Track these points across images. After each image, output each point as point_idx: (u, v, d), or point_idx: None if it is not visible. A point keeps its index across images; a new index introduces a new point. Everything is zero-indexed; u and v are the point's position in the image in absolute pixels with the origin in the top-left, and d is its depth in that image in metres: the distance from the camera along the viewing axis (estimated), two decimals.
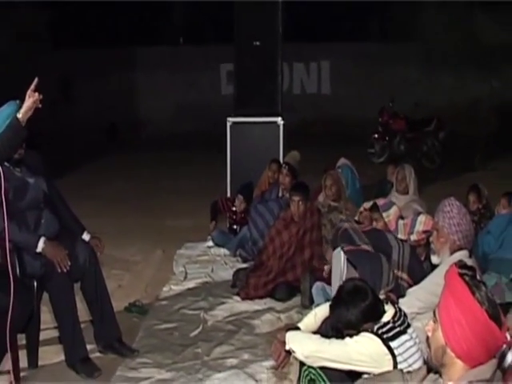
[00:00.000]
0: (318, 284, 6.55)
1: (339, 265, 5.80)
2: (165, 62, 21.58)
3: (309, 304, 6.54)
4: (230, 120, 9.85)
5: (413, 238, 6.04)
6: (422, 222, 6.05)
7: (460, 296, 2.79)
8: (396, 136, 15.63)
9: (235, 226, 8.87)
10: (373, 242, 5.95)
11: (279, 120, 9.81)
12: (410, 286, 5.35)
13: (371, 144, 15.81)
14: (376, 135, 15.74)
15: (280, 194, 8.37)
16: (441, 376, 2.88)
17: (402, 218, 6.39)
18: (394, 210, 6.33)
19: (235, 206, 8.92)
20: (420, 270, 5.49)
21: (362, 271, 5.72)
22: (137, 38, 21.86)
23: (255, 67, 9.79)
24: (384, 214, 6.30)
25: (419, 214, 6.31)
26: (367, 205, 6.60)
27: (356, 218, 6.65)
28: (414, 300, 4.92)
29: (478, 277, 3.09)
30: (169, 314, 6.59)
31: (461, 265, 2.97)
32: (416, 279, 5.26)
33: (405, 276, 5.55)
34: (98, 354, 5.58)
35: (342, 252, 5.62)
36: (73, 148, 18.08)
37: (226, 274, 7.70)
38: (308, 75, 21.91)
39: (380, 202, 6.37)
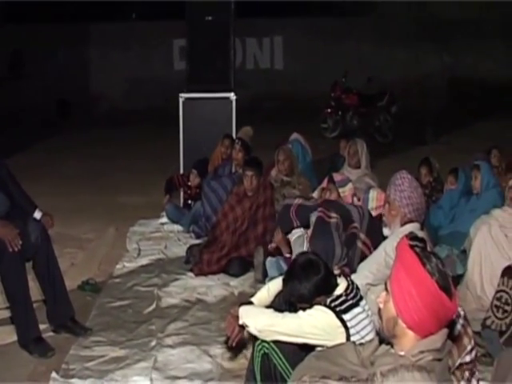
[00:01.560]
0: (271, 258, 6.57)
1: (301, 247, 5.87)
2: (117, 37, 21.31)
3: (262, 278, 6.57)
4: (183, 96, 9.78)
5: (371, 200, 6.07)
6: (375, 198, 6.09)
7: (411, 267, 2.80)
8: (349, 111, 15.68)
9: (190, 201, 8.82)
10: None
11: (232, 95, 9.76)
12: (368, 247, 5.40)
13: (324, 119, 15.84)
14: (329, 110, 15.77)
15: (233, 170, 8.35)
16: (392, 347, 2.89)
17: (355, 195, 6.43)
18: (349, 187, 6.37)
19: (190, 181, 8.86)
20: (379, 232, 5.53)
21: (314, 246, 5.77)
22: (89, 13, 21.51)
23: (207, 43, 9.71)
24: (340, 190, 6.32)
25: (369, 189, 6.34)
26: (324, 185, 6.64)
27: (314, 195, 6.69)
28: (366, 272, 4.96)
29: (428, 248, 3.12)
30: (122, 292, 6.56)
31: (411, 237, 2.99)
32: (375, 242, 5.30)
33: (362, 236, 5.60)
34: (51, 334, 5.53)
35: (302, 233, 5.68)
36: (23, 126, 17.78)
37: (180, 250, 7.68)
38: (261, 50, 21.83)
39: (337, 177, 6.39)
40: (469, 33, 20.76)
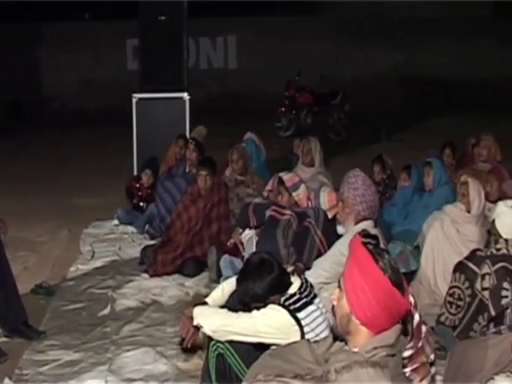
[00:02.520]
0: (225, 257, 6.58)
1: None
2: (70, 37, 21.08)
3: (217, 278, 6.58)
4: (136, 96, 9.74)
5: (323, 199, 6.09)
6: (326, 200, 6.11)
7: (363, 264, 2.82)
8: (302, 109, 15.71)
9: (141, 204, 8.73)
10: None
11: (185, 95, 9.76)
12: (323, 245, 5.43)
13: (278, 118, 15.86)
14: (283, 109, 15.79)
15: (187, 170, 8.32)
16: (346, 344, 2.90)
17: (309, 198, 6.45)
18: (302, 190, 6.38)
19: (142, 182, 8.76)
20: (333, 232, 5.56)
21: (261, 248, 5.79)
22: (42, 13, 21.24)
23: (160, 42, 9.70)
24: (293, 194, 6.33)
25: (319, 191, 6.35)
26: (269, 187, 6.64)
27: (264, 194, 6.70)
28: (319, 270, 4.98)
29: (381, 245, 3.14)
30: (76, 295, 6.50)
31: (364, 234, 3.00)
32: (329, 242, 5.33)
33: (319, 233, 5.63)
34: (3, 339, 5.46)
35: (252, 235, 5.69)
36: None
37: (134, 251, 7.63)
38: (215, 50, 21.79)
39: (288, 182, 6.38)
40: (420, 31, 20.98)
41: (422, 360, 3.54)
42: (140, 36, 9.98)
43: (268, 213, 5.97)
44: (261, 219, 6.20)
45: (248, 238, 6.28)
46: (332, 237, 5.42)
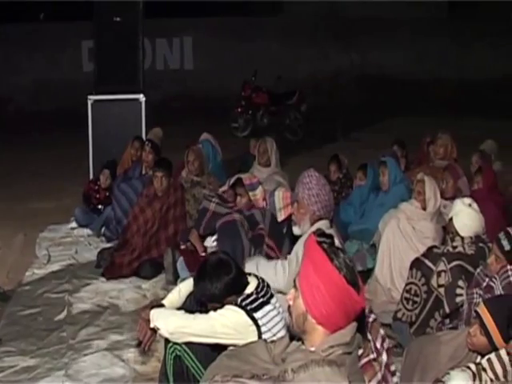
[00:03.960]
0: (182, 259, 6.54)
1: None
2: (24, 39, 20.79)
3: (174, 280, 6.56)
4: (91, 98, 9.64)
5: (280, 217, 6.11)
6: (280, 198, 6.13)
7: (318, 263, 2.82)
8: (259, 110, 15.71)
9: (100, 206, 8.64)
10: None
11: (141, 97, 9.69)
12: (272, 249, 5.44)
13: (234, 118, 15.83)
14: (239, 109, 15.76)
15: (143, 172, 8.27)
16: (303, 343, 2.91)
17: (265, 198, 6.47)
18: (259, 190, 6.40)
19: (99, 183, 8.66)
20: (281, 233, 5.57)
21: (222, 247, 5.79)
22: None
23: (116, 44, 9.59)
24: (250, 194, 6.34)
25: (274, 191, 6.37)
26: (224, 188, 6.64)
27: (219, 192, 6.69)
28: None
29: (336, 244, 3.14)
30: (32, 299, 6.42)
31: (319, 233, 3.00)
32: (278, 242, 5.33)
33: (266, 239, 5.65)
34: None
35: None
36: None
37: (91, 254, 7.56)
38: (171, 51, 21.67)
39: (247, 181, 6.39)
40: (376, 30, 21.12)
41: (369, 358, 3.57)
42: (95, 37, 9.88)
43: (219, 223, 5.98)
44: (209, 230, 6.19)
45: (215, 243, 6.28)
46: (279, 238, 5.44)
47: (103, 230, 8.10)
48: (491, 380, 3.65)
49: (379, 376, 3.58)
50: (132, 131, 9.29)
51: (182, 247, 6.78)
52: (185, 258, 6.61)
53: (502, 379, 3.63)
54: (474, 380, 3.65)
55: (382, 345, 3.71)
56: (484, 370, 3.68)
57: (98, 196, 8.68)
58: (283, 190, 6.12)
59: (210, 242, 6.40)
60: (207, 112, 16.79)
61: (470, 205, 5.36)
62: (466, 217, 5.33)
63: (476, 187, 7.06)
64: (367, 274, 6.56)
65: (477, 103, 17.96)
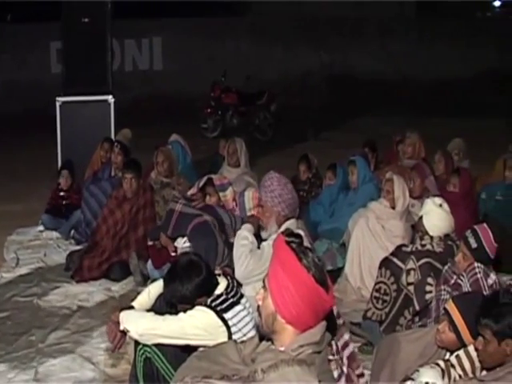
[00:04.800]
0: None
1: None
2: None
3: (143, 281, 6.55)
4: (60, 100, 9.57)
5: (248, 200, 6.10)
6: (250, 198, 6.13)
7: (287, 263, 2.83)
8: (228, 110, 15.68)
9: (64, 210, 8.53)
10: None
11: (110, 98, 9.64)
12: None
13: (204, 119, 15.79)
14: (209, 110, 15.73)
15: (112, 173, 8.23)
16: (273, 343, 2.91)
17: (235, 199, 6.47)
18: (229, 191, 6.40)
19: (61, 187, 8.56)
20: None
21: (196, 247, 5.77)
22: None
23: (84, 45, 9.53)
24: (220, 194, 6.33)
25: (244, 191, 6.38)
26: (193, 191, 6.63)
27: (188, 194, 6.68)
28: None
29: (305, 244, 3.15)
30: (1, 303, 6.34)
31: (287, 233, 3.01)
32: None
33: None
34: None
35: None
36: None
37: (60, 257, 7.50)
38: (140, 52, 21.57)
39: (217, 181, 6.38)
40: (345, 31, 21.21)
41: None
42: (63, 38, 9.81)
43: (192, 224, 5.96)
44: (178, 232, 6.17)
45: (186, 244, 6.26)
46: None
47: (72, 232, 8.04)
48: (460, 376, 3.69)
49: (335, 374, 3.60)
50: (101, 133, 9.24)
51: (150, 243, 6.74)
52: (151, 254, 6.60)
53: (471, 375, 3.67)
54: (443, 377, 3.68)
55: (343, 349, 3.73)
56: (453, 366, 3.72)
57: (64, 203, 8.56)
58: (253, 191, 6.12)
59: (181, 244, 6.38)
60: (177, 113, 16.75)
61: (440, 205, 5.40)
62: (436, 217, 5.37)
63: (451, 189, 7.08)
64: (337, 273, 6.58)
65: (445, 102, 18.10)
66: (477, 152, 9.66)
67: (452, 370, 3.70)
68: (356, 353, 3.95)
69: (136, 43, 21.28)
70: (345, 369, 3.80)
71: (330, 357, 3.57)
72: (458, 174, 7.26)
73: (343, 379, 3.68)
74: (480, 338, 3.52)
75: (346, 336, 3.78)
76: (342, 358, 3.69)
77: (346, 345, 3.74)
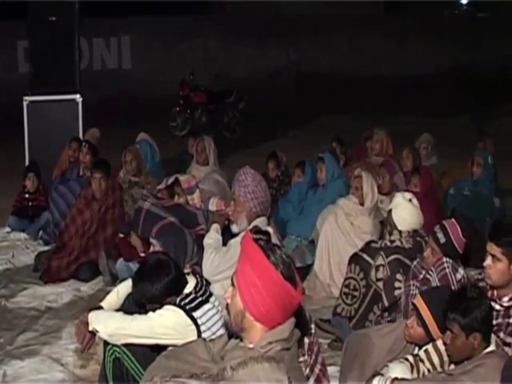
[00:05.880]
0: (121, 260, 6.50)
1: None
2: None
3: (112, 281, 6.51)
4: (27, 99, 9.48)
5: (212, 207, 6.10)
6: (214, 205, 6.14)
7: (255, 260, 2.83)
8: (197, 108, 15.68)
9: (31, 213, 8.43)
10: (176, 216, 6.00)
11: (78, 97, 9.57)
12: None
13: (173, 117, 15.76)
14: (177, 108, 15.71)
15: (81, 173, 8.17)
16: (242, 340, 2.91)
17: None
18: (197, 194, 6.38)
19: (27, 189, 8.46)
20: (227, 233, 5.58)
21: (166, 246, 5.75)
22: None
23: (51, 44, 9.46)
24: (188, 197, 6.31)
25: (209, 198, 6.39)
26: (161, 186, 6.60)
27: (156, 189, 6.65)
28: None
29: (274, 241, 3.15)
30: None
31: (255, 230, 3.01)
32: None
33: None
34: None
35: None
36: None
37: (28, 258, 7.42)
38: (108, 50, 21.45)
39: (185, 184, 6.35)
40: (314, 28, 21.25)
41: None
42: (30, 37, 9.72)
43: (157, 227, 5.94)
44: (145, 233, 6.14)
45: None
46: (227, 236, 5.44)
47: (40, 233, 7.97)
48: (429, 370, 3.71)
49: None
50: (69, 132, 9.18)
51: (121, 236, 6.69)
52: (122, 246, 6.58)
53: (439, 369, 3.70)
54: (412, 371, 3.70)
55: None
56: (421, 360, 3.74)
57: (30, 204, 8.46)
58: (217, 199, 6.16)
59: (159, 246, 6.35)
60: (145, 111, 16.65)
61: (410, 200, 5.43)
62: (405, 211, 5.40)
63: (413, 189, 7.10)
64: (306, 270, 6.60)
65: (413, 99, 18.21)
66: (444, 148, 9.73)
67: (421, 365, 3.73)
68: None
69: (104, 42, 21.15)
70: (316, 370, 3.82)
71: (301, 358, 3.58)
72: (418, 173, 7.30)
73: (312, 380, 3.70)
74: (448, 333, 3.55)
75: (306, 340, 3.80)
76: (313, 358, 3.70)
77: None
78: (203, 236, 5.58)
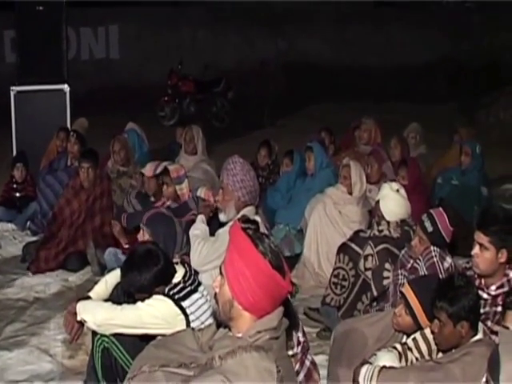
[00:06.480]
0: (110, 250, 6.49)
1: None
2: None
3: (100, 271, 6.49)
4: (14, 89, 9.43)
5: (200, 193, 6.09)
6: (202, 194, 6.14)
7: (243, 249, 2.83)
8: (185, 98, 15.67)
9: (18, 203, 8.40)
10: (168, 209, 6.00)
11: (65, 87, 9.54)
12: None
13: (161, 107, 15.75)
14: (166, 98, 15.70)
15: (69, 163, 8.15)
16: (230, 330, 2.91)
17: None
18: (185, 184, 6.37)
19: (15, 179, 8.43)
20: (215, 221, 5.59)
21: (155, 235, 5.73)
22: None
23: (39, 33, 9.40)
24: (177, 187, 6.30)
25: (198, 188, 6.38)
26: (149, 173, 6.59)
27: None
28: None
29: (262, 230, 3.15)
30: None
31: (244, 219, 3.01)
32: (210, 229, 5.35)
33: None
34: None
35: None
36: None
37: (16, 249, 7.40)
38: (96, 40, 21.34)
39: (173, 174, 6.34)
40: (302, 18, 21.21)
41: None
42: (17, 27, 9.67)
43: (147, 215, 5.94)
44: (134, 222, 6.13)
45: None
46: (213, 225, 5.44)
47: (28, 223, 7.94)
48: (417, 359, 3.73)
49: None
50: (57, 122, 9.15)
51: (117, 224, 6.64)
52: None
53: (427, 357, 3.71)
54: (400, 360, 3.72)
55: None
56: (410, 349, 3.76)
57: (18, 195, 8.43)
58: (205, 189, 6.15)
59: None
60: (133, 101, 16.61)
61: (397, 190, 5.43)
62: (393, 202, 5.40)
63: (401, 181, 7.08)
64: (295, 259, 6.61)
65: (400, 89, 18.23)
66: (431, 137, 9.75)
67: (409, 353, 3.74)
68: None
69: (92, 31, 21.04)
70: (307, 362, 3.84)
71: (290, 352, 3.59)
72: (405, 165, 7.31)
73: (302, 374, 3.72)
74: (436, 321, 3.56)
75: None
76: (303, 350, 3.72)
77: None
78: (194, 221, 5.60)
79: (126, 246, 6.25)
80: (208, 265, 4.89)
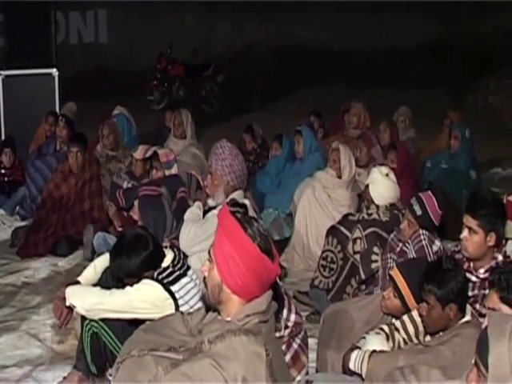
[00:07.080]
0: (99, 234, 6.45)
1: None
2: None
3: (91, 256, 6.43)
4: (2, 73, 9.39)
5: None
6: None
7: (232, 233, 2.82)
8: (175, 82, 15.67)
9: (7, 188, 8.36)
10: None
11: (54, 71, 9.50)
12: None
13: (150, 91, 15.75)
14: (155, 82, 15.69)
15: (57, 148, 8.13)
16: (219, 313, 2.91)
17: None
18: (175, 169, 6.36)
19: (3, 164, 8.39)
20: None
21: (145, 220, 5.73)
22: None
23: (27, 17, 9.36)
24: (166, 172, 6.29)
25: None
26: (139, 156, 6.57)
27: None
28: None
29: (252, 213, 3.15)
30: None
31: (232, 203, 3.01)
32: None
33: (191, 203, 5.64)
34: None
35: None
36: None
37: (4, 233, 7.38)
38: (85, 24, 21.24)
39: (163, 158, 6.32)
40: (291, 2, 21.14)
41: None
42: (5, 10, 9.60)
43: (140, 193, 5.91)
44: (128, 202, 6.11)
45: None
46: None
47: (17, 208, 7.92)
48: (404, 340, 3.74)
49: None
50: (45, 106, 9.14)
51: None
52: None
53: (415, 339, 3.72)
54: (388, 340, 3.73)
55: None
56: (397, 329, 3.77)
57: (6, 180, 8.39)
58: (195, 172, 6.14)
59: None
60: (122, 85, 16.56)
61: (387, 174, 5.43)
62: (382, 186, 5.41)
63: (390, 165, 7.08)
64: (284, 242, 6.62)
65: (389, 73, 18.22)
66: (420, 121, 9.76)
67: (396, 334, 3.75)
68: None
69: (81, 15, 20.93)
70: (295, 345, 3.85)
71: (277, 334, 3.60)
72: (394, 149, 7.31)
73: (289, 356, 3.73)
74: (424, 304, 3.57)
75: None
76: (292, 334, 3.74)
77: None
78: (185, 199, 5.59)
79: (120, 230, 6.23)
80: (196, 246, 4.86)
